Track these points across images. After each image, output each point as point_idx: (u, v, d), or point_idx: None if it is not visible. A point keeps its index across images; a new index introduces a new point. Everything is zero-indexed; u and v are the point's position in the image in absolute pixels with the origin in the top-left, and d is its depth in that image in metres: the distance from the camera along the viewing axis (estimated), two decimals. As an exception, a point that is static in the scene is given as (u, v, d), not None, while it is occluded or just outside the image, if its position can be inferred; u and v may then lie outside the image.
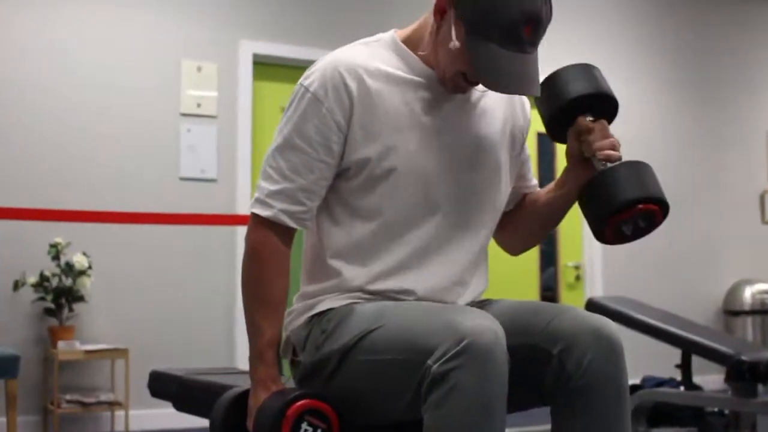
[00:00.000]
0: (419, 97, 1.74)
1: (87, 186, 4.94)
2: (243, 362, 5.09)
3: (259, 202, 1.70)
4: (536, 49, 1.65)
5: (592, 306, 4.03)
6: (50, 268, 4.67)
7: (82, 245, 4.79)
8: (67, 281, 4.64)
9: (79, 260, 4.64)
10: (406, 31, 1.82)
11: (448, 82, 1.72)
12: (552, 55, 6.68)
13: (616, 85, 7.61)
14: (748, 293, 6.94)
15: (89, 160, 4.97)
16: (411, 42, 1.78)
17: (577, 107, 1.78)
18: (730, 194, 7.31)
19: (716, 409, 4.10)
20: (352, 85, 1.68)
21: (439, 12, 1.67)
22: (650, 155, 6.87)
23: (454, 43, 1.63)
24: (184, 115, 5.24)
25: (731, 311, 6.99)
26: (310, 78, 1.71)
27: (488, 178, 1.81)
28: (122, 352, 4.59)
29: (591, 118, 1.78)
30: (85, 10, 5.04)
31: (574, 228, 6.54)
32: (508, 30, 1.58)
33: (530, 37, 1.60)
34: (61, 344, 4.51)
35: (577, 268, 6.62)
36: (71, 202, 4.86)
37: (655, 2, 7.11)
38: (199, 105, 5.28)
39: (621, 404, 1.58)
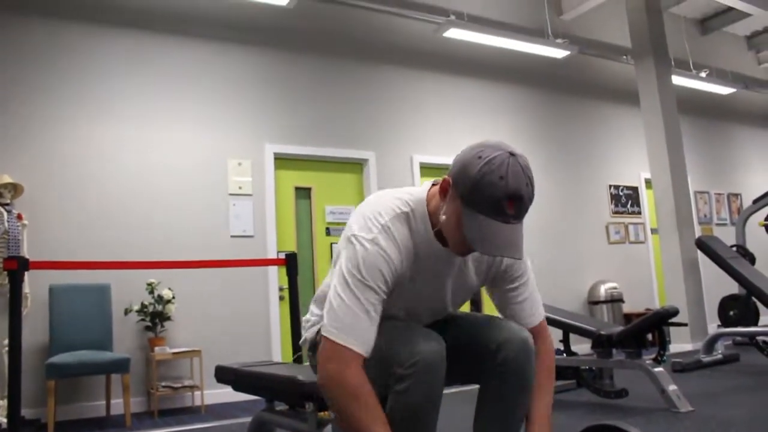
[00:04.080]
0: (434, 257, 1.54)
1: (171, 244, 4.94)
2: (277, 356, 5.10)
3: (341, 331, 1.41)
4: (520, 220, 1.38)
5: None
6: (147, 299, 4.71)
7: (168, 283, 4.85)
8: (159, 307, 4.65)
9: (166, 293, 4.66)
10: (431, 205, 1.53)
11: (457, 249, 1.48)
12: (475, 139, 6.75)
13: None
14: (602, 289, 6.98)
15: (171, 228, 4.97)
16: (434, 217, 1.52)
17: None
18: (587, 225, 7.35)
19: (587, 367, 4.02)
20: (404, 251, 1.48)
21: (443, 190, 1.45)
22: (537, 202, 7.02)
23: (453, 215, 1.42)
24: (231, 194, 5.24)
25: (592, 301, 7.02)
26: (381, 243, 1.47)
27: (463, 298, 1.69)
28: (197, 353, 4.56)
29: None
30: (165, 131, 5.07)
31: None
32: (493, 205, 1.33)
33: (513, 210, 1.34)
34: (156, 349, 4.51)
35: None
36: (161, 256, 4.87)
37: (539, 109, 7.22)
38: (240, 187, 5.29)
39: (528, 380, 1.58)
